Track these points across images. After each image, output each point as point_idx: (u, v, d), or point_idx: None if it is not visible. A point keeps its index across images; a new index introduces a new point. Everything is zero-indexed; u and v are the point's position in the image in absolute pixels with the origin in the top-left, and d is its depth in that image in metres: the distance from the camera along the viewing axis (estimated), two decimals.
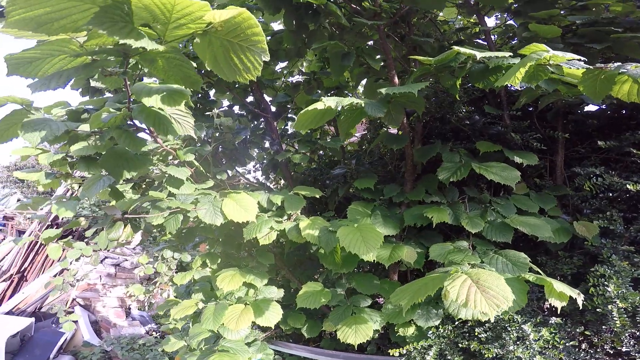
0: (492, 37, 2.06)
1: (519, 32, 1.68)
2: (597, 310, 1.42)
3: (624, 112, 1.80)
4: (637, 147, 1.54)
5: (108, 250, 5.16)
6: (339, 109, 1.08)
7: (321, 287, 1.67)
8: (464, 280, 0.95)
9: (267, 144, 2.35)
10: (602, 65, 0.93)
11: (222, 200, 1.39)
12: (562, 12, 1.68)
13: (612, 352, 1.51)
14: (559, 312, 1.47)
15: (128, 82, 0.86)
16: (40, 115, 1.00)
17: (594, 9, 1.59)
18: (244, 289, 1.72)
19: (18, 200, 9.28)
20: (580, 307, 1.11)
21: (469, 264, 1.25)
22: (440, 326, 1.58)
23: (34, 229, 5.61)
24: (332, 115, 1.18)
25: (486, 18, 2.04)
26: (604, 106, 1.85)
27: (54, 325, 4.35)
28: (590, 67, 0.95)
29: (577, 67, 0.95)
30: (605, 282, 1.31)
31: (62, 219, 5.41)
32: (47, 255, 5.40)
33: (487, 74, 1.13)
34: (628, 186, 1.49)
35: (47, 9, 0.65)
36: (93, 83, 1.95)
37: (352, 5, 1.77)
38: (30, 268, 5.32)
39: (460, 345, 1.57)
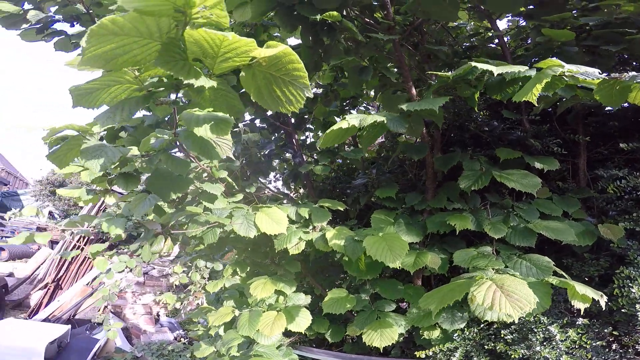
0: (505, 38, 2.07)
1: (532, 35, 1.70)
2: (623, 310, 1.43)
3: None
4: None
5: (145, 262, 5.39)
6: (362, 126, 1.15)
7: (346, 294, 1.73)
8: (489, 286, 0.99)
9: (287, 155, 2.45)
10: (617, 75, 0.96)
11: (254, 214, 1.48)
12: (574, 12, 1.69)
13: None
14: (587, 313, 1.48)
15: (176, 110, 0.96)
16: (95, 141, 1.12)
17: (605, 10, 1.59)
18: (274, 296, 1.81)
19: (50, 212, 9.79)
20: (605, 309, 1.13)
21: (493, 269, 1.28)
22: (466, 329, 1.61)
23: (67, 239, 5.92)
24: (354, 132, 1.25)
25: (497, 21, 2.06)
26: (626, 104, 1.84)
27: (87, 332, 4.54)
28: (605, 77, 0.99)
29: (592, 78, 0.99)
30: (630, 284, 1.31)
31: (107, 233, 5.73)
32: (80, 265, 5.67)
33: (504, 86, 1.18)
34: None
35: (112, 45, 0.75)
36: None
37: (366, 20, 1.84)
38: (65, 277, 5.59)
39: (486, 347, 1.60)
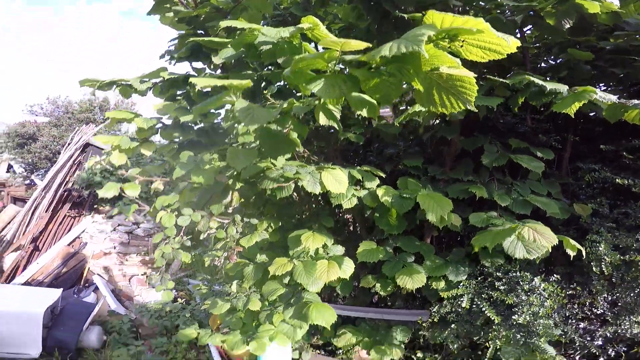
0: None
1: (555, 52, 2.09)
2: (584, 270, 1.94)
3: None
4: (630, 151, 2.05)
5: (126, 219, 5.22)
6: None
7: (376, 245, 2.06)
8: (528, 229, 1.40)
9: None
10: (624, 101, 1.38)
11: (319, 173, 1.72)
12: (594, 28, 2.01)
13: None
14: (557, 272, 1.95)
15: None
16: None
17: (625, 39, 1.98)
18: (310, 250, 2.05)
19: (9, 166, 8.86)
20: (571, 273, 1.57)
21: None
22: (466, 281, 2.02)
23: (37, 196, 5.47)
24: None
25: None
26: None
27: (75, 295, 4.26)
28: (616, 101, 1.40)
29: (607, 101, 1.40)
30: (597, 245, 1.80)
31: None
32: (59, 225, 5.31)
33: (542, 96, 1.56)
34: (617, 180, 1.99)
35: None
36: None
37: None
38: (42, 237, 5.11)
39: (484, 295, 2.02)
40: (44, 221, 5.15)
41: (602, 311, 2.01)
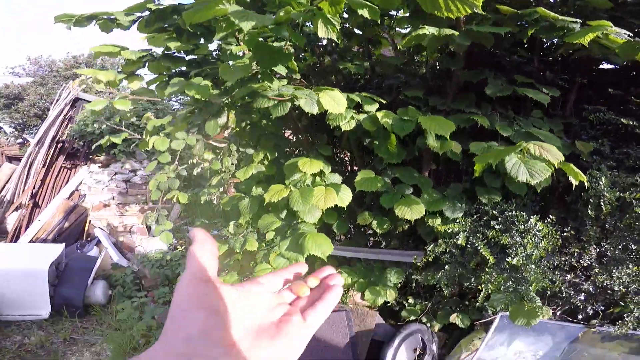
0: None
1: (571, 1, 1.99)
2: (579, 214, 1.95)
3: (633, 73, 2.26)
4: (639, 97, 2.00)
5: (122, 167, 5.16)
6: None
7: (374, 174, 2.03)
8: (534, 145, 1.39)
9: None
10: (638, 39, 1.32)
11: (317, 94, 1.67)
12: None
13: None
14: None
15: None
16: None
17: None
18: (310, 178, 2.03)
19: None
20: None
21: None
22: (462, 218, 2.02)
23: (31, 151, 5.34)
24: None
25: None
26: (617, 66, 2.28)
27: (79, 250, 4.20)
28: (631, 39, 1.33)
29: (622, 38, 1.34)
30: (597, 180, 1.80)
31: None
32: (56, 178, 5.23)
33: (553, 31, 1.49)
34: (622, 120, 1.96)
35: None
36: None
37: None
38: (41, 193, 5.00)
39: (479, 234, 2.02)
40: (41, 176, 5.09)
41: (590, 263, 2.03)
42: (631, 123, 1.98)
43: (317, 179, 2.04)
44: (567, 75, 2.18)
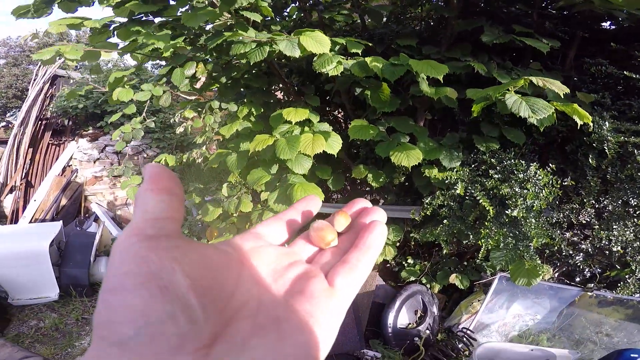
0: None
1: None
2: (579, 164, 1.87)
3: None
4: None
5: (112, 139, 4.98)
6: None
7: (367, 123, 1.92)
8: (537, 77, 1.29)
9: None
10: None
11: (298, 37, 1.56)
12: None
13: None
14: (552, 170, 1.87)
15: None
16: None
17: None
18: (298, 128, 1.92)
19: None
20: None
21: None
22: (460, 168, 1.93)
23: (17, 132, 5.15)
24: None
25: None
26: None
27: (78, 228, 4.10)
28: None
29: None
30: (600, 125, 1.72)
31: None
32: (45, 156, 5.06)
33: None
34: (625, 73, 1.88)
35: None
36: None
37: None
38: (32, 171, 4.85)
39: (478, 185, 1.93)
40: (30, 155, 4.94)
41: (589, 220, 1.95)
42: (634, 76, 1.91)
43: (306, 128, 1.93)
44: (568, 29, 2.11)
